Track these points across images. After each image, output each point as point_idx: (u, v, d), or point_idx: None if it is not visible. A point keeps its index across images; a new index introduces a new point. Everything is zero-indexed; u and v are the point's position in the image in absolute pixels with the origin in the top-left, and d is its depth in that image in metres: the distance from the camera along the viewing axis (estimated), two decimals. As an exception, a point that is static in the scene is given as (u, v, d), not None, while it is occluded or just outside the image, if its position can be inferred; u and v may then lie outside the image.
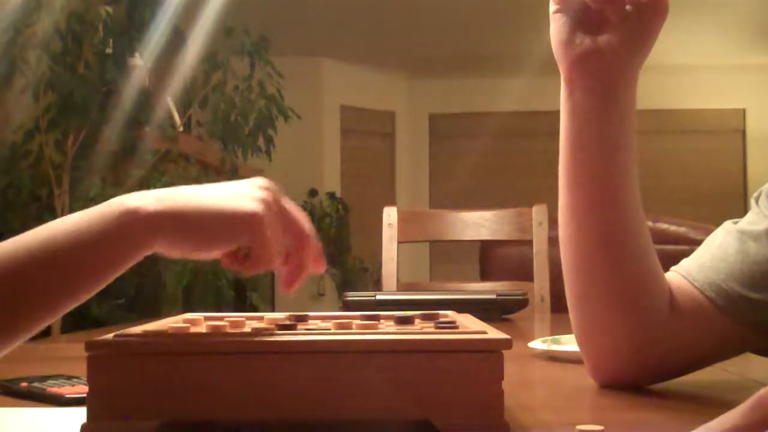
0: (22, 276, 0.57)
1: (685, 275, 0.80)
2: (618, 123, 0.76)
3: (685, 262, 0.82)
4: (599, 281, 0.78)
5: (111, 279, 0.61)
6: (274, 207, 0.63)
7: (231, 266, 0.64)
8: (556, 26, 0.76)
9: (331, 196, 6.25)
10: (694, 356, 0.80)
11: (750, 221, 0.80)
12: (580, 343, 0.82)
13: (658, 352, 0.78)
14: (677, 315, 0.78)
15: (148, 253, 0.61)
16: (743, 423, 0.41)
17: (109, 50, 3.25)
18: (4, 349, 0.58)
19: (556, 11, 0.76)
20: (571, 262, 0.80)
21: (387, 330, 0.62)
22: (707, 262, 0.79)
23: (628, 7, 0.73)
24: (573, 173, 0.78)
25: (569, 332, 0.85)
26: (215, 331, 0.61)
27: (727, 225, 0.82)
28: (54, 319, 0.60)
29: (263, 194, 0.63)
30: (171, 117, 3.74)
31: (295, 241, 0.65)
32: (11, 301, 0.57)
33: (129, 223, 0.59)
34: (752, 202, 0.83)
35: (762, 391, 0.42)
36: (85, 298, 0.60)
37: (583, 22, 0.75)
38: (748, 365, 0.94)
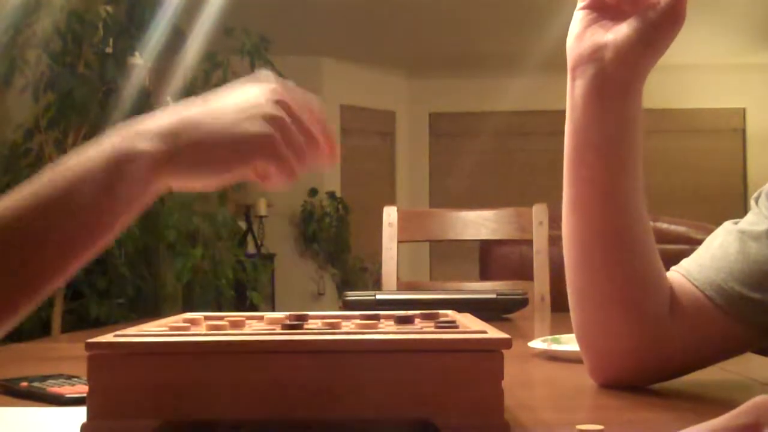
0: (37, 226, 0.58)
1: (686, 275, 0.80)
2: (618, 121, 0.76)
3: (685, 262, 0.82)
4: (600, 279, 0.78)
5: (128, 220, 0.60)
6: (287, 118, 0.62)
7: (256, 179, 0.63)
8: (576, 20, 0.76)
9: (331, 195, 6.25)
10: (695, 356, 0.80)
11: (750, 221, 0.80)
12: (580, 343, 0.82)
13: (658, 352, 0.78)
14: (678, 314, 0.78)
15: (162, 190, 0.61)
16: (733, 425, 0.41)
17: (109, 50, 3.25)
18: (28, 304, 0.59)
19: (582, 7, 0.76)
20: (573, 259, 0.80)
21: (387, 330, 0.62)
22: (707, 261, 0.79)
23: None
24: (575, 168, 0.78)
25: (569, 332, 0.85)
26: (215, 331, 0.61)
27: (728, 225, 0.82)
28: (75, 269, 0.60)
29: (273, 110, 0.61)
30: (171, 116, 3.74)
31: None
32: (28, 253, 0.58)
33: (132, 170, 0.58)
34: (752, 202, 0.83)
35: (758, 397, 0.42)
36: (102, 243, 0.60)
37: (600, 19, 0.75)
38: (749, 365, 0.94)
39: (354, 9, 5.20)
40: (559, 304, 2.02)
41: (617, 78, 0.75)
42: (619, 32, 0.73)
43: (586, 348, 0.81)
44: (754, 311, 0.76)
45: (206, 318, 0.69)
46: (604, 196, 0.77)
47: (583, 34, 0.75)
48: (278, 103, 0.63)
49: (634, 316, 0.78)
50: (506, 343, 0.56)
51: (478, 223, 2.11)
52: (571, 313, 0.82)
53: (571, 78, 0.77)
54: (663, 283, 0.79)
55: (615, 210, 0.77)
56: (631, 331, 0.78)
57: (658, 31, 0.73)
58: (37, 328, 3.04)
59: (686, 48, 5.84)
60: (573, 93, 0.77)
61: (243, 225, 5.61)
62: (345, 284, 6.16)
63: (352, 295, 1.64)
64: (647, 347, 0.78)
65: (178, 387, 0.55)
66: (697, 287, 0.78)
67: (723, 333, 0.77)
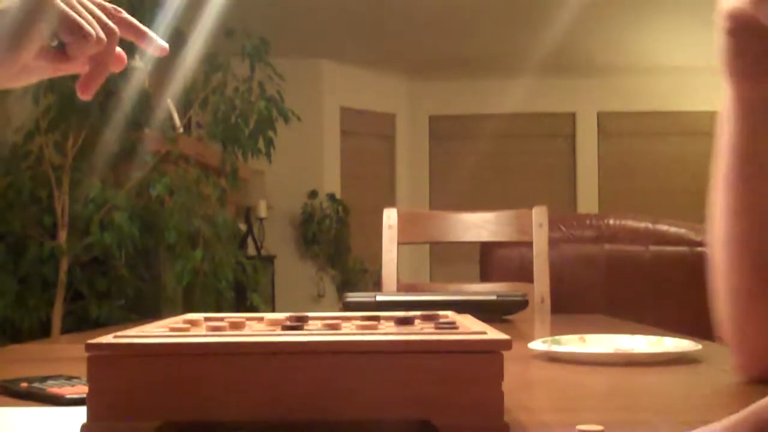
0: None
1: None
2: None
3: None
4: (757, 277, 0.79)
5: None
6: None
7: (53, 65, 0.66)
8: (729, 42, 0.78)
9: (331, 197, 6.25)
10: None
11: None
12: (732, 339, 0.83)
13: None
14: None
15: None
16: (731, 430, 0.41)
17: (109, 51, 3.24)
18: None
19: (729, 30, 0.77)
20: (729, 260, 0.81)
21: (387, 331, 0.62)
22: None
23: None
24: (744, 171, 0.82)
25: (569, 333, 0.85)
26: (215, 332, 0.61)
27: None
28: None
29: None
30: (171, 118, 3.74)
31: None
32: None
33: None
34: None
35: (755, 404, 0.42)
36: None
37: (756, 36, 0.76)
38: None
39: (354, 12, 5.21)
40: (558, 305, 2.02)
41: None
42: None
43: (739, 344, 0.82)
44: None
45: (206, 319, 0.69)
46: None
47: (748, 44, 0.78)
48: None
49: None
50: (506, 345, 0.56)
51: (478, 225, 2.11)
52: (723, 309, 0.82)
53: (744, 84, 0.81)
54: None
55: None
56: None
57: None
58: (37, 330, 3.04)
59: (688, 50, 5.85)
60: (750, 97, 0.80)
61: (243, 227, 5.61)
62: (345, 286, 6.16)
63: (353, 297, 1.64)
64: None
65: (178, 388, 0.55)
66: None
67: None
